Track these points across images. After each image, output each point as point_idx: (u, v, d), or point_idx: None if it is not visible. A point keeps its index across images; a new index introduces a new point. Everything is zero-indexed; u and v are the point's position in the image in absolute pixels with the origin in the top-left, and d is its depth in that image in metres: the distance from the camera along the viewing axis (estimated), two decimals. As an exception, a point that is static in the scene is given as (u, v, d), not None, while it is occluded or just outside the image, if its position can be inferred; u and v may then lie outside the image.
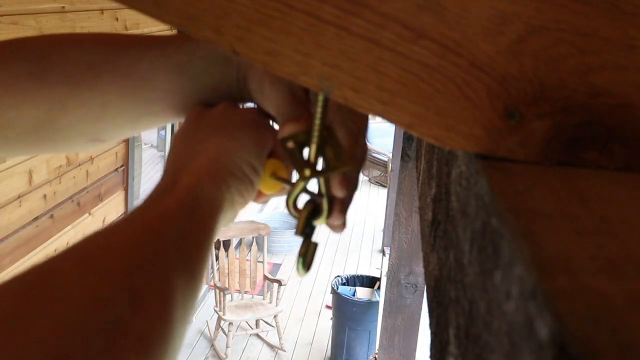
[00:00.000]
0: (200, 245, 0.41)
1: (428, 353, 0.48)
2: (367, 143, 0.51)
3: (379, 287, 5.06)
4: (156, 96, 0.52)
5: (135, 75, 0.51)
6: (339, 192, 0.47)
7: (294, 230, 0.48)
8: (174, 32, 4.26)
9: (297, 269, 0.49)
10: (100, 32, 0.55)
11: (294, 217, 0.47)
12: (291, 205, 0.47)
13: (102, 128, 0.53)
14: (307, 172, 0.44)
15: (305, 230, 0.47)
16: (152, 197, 0.42)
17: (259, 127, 0.50)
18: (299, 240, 0.49)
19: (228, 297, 5.11)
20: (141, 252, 0.36)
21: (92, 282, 0.32)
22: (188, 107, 0.53)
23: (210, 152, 0.47)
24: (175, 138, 0.51)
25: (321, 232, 0.53)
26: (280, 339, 5.25)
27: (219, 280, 5.15)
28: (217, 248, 5.08)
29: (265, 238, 5.33)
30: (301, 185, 0.46)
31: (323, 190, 0.46)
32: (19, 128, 0.51)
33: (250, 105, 0.53)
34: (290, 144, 0.45)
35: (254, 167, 0.48)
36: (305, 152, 0.46)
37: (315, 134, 0.44)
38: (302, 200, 0.48)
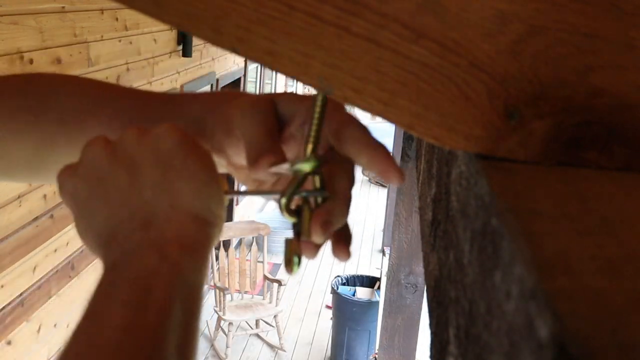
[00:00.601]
0: (194, 333, 0.38)
1: (428, 353, 0.48)
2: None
3: (379, 287, 5.06)
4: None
5: (115, 124, 0.52)
6: (318, 236, 0.44)
7: (302, 233, 0.46)
8: (174, 32, 4.27)
9: (292, 268, 0.48)
10: (100, 80, 0.56)
11: (289, 219, 0.46)
12: (284, 207, 0.46)
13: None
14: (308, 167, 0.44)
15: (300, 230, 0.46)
16: (141, 280, 0.37)
17: (199, 147, 0.44)
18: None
19: (228, 297, 5.11)
20: None
21: None
22: None
23: (182, 207, 0.41)
24: (79, 190, 0.44)
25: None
26: (280, 339, 5.25)
27: (219, 280, 5.15)
28: (217, 248, 5.07)
29: (265, 238, 5.33)
30: (294, 185, 0.45)
31: (317, 185, 0.45)
32: (15, 158, 0.54)
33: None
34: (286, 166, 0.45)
35: (223, 200, 0.44)
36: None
37: (313, 134, 0.44)
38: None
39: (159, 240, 0.40)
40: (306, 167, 0.44)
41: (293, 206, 0.46)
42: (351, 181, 0.47)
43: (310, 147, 0.44)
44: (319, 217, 0.44)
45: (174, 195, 0.42)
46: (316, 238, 0.44)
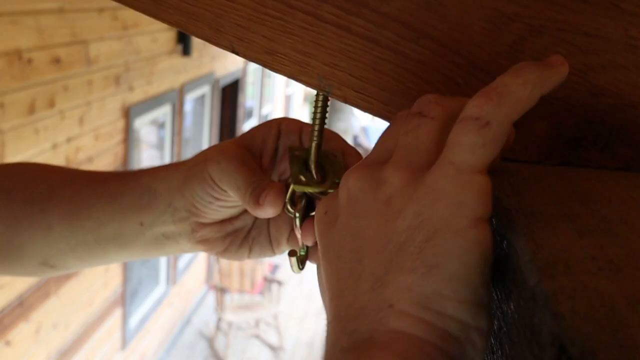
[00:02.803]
0: None
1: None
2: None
3: (378, 287, 5.06)
4: (89, 225, 0.53)
5: (75, 201, 0.53)
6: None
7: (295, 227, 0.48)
8: (174, 31, 4.27)
9: (292, 267, 0.49)
10: (71, 168, 0.58)
11: (290, 214, 0.48)
12: (289, 204, 0.47)
13: (47, 252, 0.54)
14: (303, 178, 0.46)
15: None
16: None
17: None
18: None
19: (228, 297, 5.11)
20: None
21: None
22: (116, 241, 0.52)
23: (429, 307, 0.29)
24: None
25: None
26: (280, 339, 5.25)
27: (219, 280, 5.15)
28: (217, 248, 5.07)
29: (265, 238, 5.33)
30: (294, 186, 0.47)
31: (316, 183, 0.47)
32: None
33: None
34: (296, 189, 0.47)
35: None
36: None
37: (316, 133, 0.45)
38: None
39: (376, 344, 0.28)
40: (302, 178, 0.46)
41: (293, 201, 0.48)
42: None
43: (314, 145, 0.45)
44: None
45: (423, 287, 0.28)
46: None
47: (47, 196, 0.53)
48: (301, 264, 0.49)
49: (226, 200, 0.48)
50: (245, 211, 0.50)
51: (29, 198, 0.54)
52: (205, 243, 0.50)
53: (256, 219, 0.50)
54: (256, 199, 0.46)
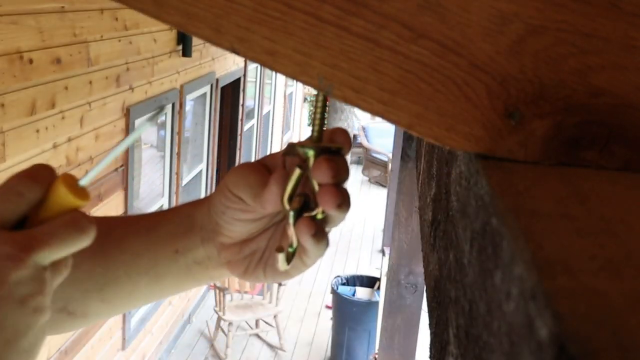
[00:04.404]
0: None
1: (428, 353, 0.48)
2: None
3: (378, 287, 5.06)
4: (124, 259, 0.55)
5: (108, 238, 0.55)
6: (325, 177, 0.46)
7: (290, 224, 0.49)
8: (174, 32, 4.27)
9: (279, 263, 0.50)
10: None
11: (286, 211, 0.48)
12: (286, 201, 0.48)
13: (70, 295, 0.55)
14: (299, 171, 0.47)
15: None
16: None
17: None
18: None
19: (228, 297, 5.11)
20: None
21: None
22: (149, 273, 0.56)
23: None
24: None
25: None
26: (280, 339, 5.25)
27: (219, 280, 5.15)
28: (217, 248, 5.07)
29: (265, 238, 5.33)
30: (295, 179, 0.47)
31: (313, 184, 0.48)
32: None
33: None
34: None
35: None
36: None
37: (316, 128, 0.46)
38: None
39: None
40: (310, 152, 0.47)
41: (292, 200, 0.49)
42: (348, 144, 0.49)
43: (315, 137, 0.47)
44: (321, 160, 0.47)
45: None
46: (321, 177, 0.46)
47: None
48: (288, 260, 0.50)
49: (237, 210, 0.52)
50: (259, 235, 0.54)
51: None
52: (229, 265, 0.55)
53: (269, 241, 0.55)
54: (257, 194, 0.49)
